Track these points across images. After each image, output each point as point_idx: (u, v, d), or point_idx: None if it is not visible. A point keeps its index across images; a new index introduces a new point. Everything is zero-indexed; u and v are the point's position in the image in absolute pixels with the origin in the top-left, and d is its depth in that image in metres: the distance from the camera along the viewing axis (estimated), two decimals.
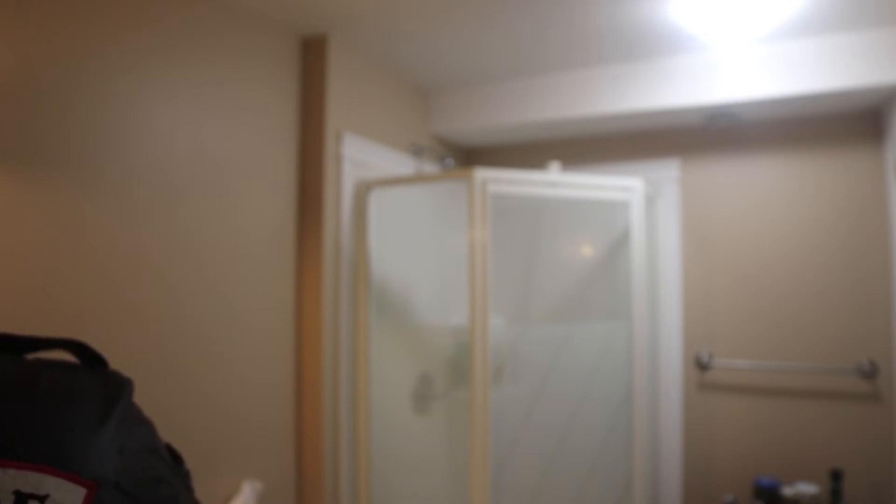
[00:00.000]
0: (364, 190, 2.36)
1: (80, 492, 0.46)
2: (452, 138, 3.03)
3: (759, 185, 2.66)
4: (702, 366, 2.71)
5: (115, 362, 1.60)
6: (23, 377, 0.52)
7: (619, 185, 2.46)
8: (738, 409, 2.65)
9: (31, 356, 0.58)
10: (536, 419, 2.63)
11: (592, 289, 2.78)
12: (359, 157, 2.36)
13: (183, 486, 0.59)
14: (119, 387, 0.56)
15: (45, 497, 0.45)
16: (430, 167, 2.84)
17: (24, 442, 0.47)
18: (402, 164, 2.62)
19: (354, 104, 2.39)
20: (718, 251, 2.72)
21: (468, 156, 3.25)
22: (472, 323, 2.15)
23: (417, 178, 2.45)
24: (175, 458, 0.62)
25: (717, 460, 2.68)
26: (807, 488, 2.39)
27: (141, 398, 0.64)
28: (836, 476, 2.34)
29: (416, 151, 2.75)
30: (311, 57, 2.27)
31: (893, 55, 2.13)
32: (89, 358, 0.58)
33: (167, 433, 1.76)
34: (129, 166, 1.63)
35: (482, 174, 2.19)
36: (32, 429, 0.48)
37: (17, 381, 0.51)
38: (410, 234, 2.65)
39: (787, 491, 2.42)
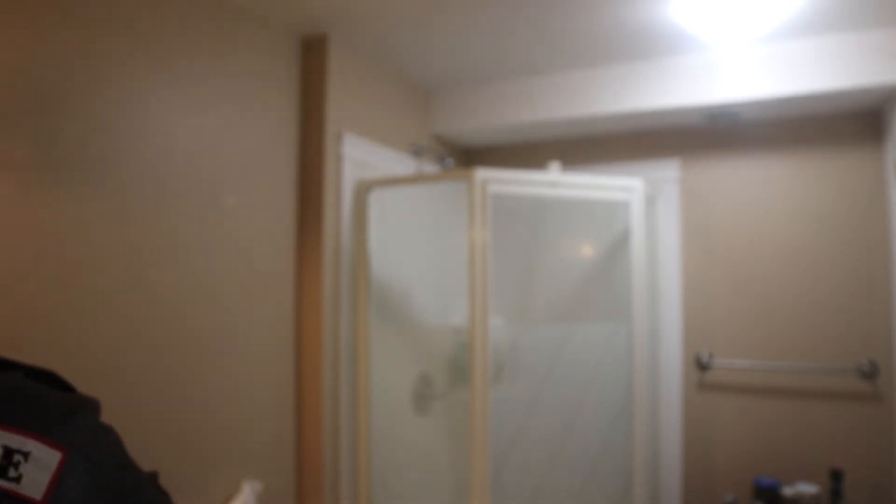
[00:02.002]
0: (364, 190, 2.36)
1: (56, 455, 0.55)
2: (452, 138, 3.03)
3: (760, 185, 2.66)
4: (702, 366, 2.71)
5: (114, 363, 1.59)
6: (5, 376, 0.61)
7: (619, 186, 2.46)
8: (738, 409, 2.65)
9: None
10: (536, 419, 2.63)
11: (592, 289, 2.78)
12: (359, 157, 2.36)
13: (151, 483, 0.68)
14: (85, 397, 0.64)
15: (28, 454, 0.53)
16: (430, 167, 2.84)
17: (10, 413, 0.56)
18: (402, 164, 2.62)
19: (354, 104, 2.39)
20: (718, 251, 2.72)
21: (468, 156, 3.25)
22: (472, 323, 2.15)
23: (417, 178, 2.45)
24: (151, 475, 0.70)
25: (717, 460, 2.67)
26: (807, 488, 2.39)
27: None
28: (837, 476, 2.34)
29: (416, 151, 2.75)
30: (311, 57, 2.26)
31: (893, 55, 2.13)
32: (60, 385, 0.67)
33: (167, 433, 1.75)
34: (126, 166, 1.63)
35: (482, 174, 2.19)
36: (18, 405, 0.57)
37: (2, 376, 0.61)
38: (410, 234, 2.65)
39: (787, 491, 2.42)
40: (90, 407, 0.63)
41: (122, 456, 0.64)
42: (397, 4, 2.03)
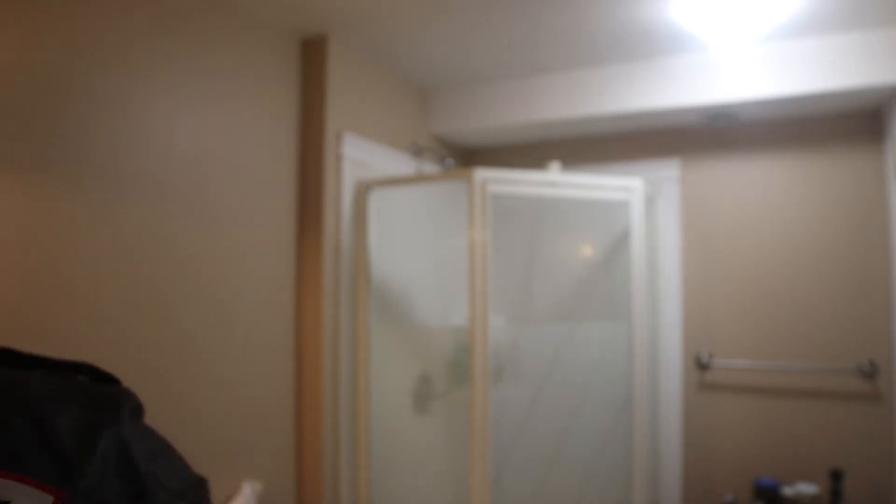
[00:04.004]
0: (364, 190, 2.36)
1: (47, 499, 0.44)
2: (452, 138, 3.03)
3: (759, 185, 2.66)
4: (702, 366, 2.71)
5: (113, 363, 1.59)
6: (7, 388, 0.50)
7: (619, 185, 2.46)
8: (738, 410, 2.65)
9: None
10: (537, 419, 2.63)
11: (592, 289, 2.78)
12: (359, 157, 2.36)
13: None
14: (116, 399, 0.54)
15: (7, 503, 0.43)
16: (430, 167, 2.84)
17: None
18: (402, 164, 2.62)
19: (354, 104, 2.39)
20: (718, 251, 2.72)
21: (468, 156, 3.25)
22: (472, 323, 2.15)
23: (417, 178, 2.45)
24: (198, 482, 0.59)
25: (717, 460, 2.67)
26: (807, 488, 2.39)
27: (141, 399, 0.64)
28: (837, 476, 2.34)
29: (416, 151, 2.75)
30: (311, 57, 2.26)
31: (893, 55, 2.13)
32: (99, 378, 0.57)
33: (167, 433, 1.75)
34: (126, 166, 1.63)
35: (482, 174, 2.19)
36: (4, 436, 0.46)
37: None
38: (410, 235, 2.65)
39: (787, 491, 2.42)
40: (119, 414, 0.51)
41: (144, 482, 0.51)
42: (397, 5, 2.03)
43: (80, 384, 0.54)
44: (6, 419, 0.47)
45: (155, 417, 1.76)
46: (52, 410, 0.49)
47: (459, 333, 2.54)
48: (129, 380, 1.71)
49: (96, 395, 0.53)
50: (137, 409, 0.54)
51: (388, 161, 2.54)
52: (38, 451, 0.46)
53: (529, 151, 3.09)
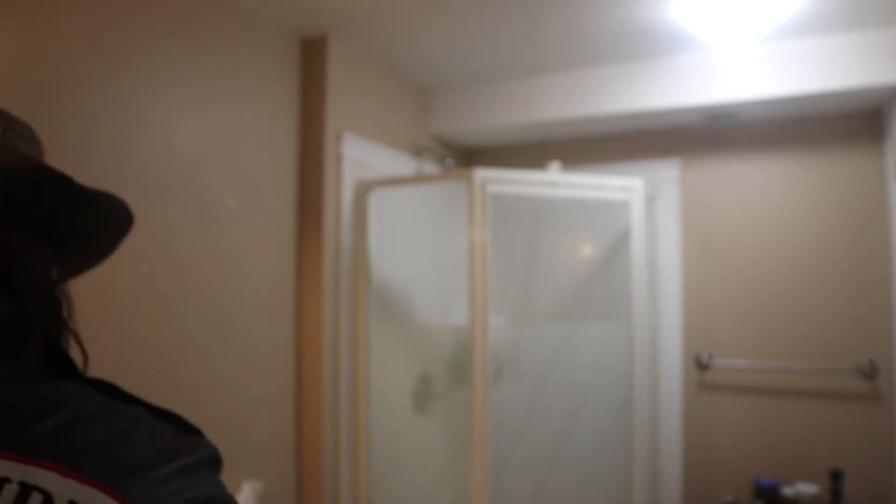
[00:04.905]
0: (364, 190, 2.36)
1: None
2: (452, 138, 3.03)
3: (759, 186, 2.66)
4: (702, 366, 2.71)
5: (111, 363, 1.58)
6: (109, 410, 0.57)
7: (619, 185, 2.46)
8: (738, 410, 2.65)
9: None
10: (537, 419, 2.63)
11: (592, 289, 2.78)
12: (359, 157, 2.36)
13: None
14: (197, 446, 0.57)
15: None
16: (430, 167, 2.84)
17: (92, 458, 0.48)
18: (402, 164, 2.62)
19: (354, 104, 2.39)
20: (718, 251, 2.72)
21: (468, 156, 3.25)
22: (472, 323, 2.15)
23: (417, 178, 2.45)
24: None
25: (717, 460, 2.67)
26: (807, 488, 2.39)
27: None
28: (837, 476, 2.34)
29: (416, 151, 2.75)
30: (311, 57, 2.26)
31: (893, 55, 2.13)
32: (185, 428, 0.61)
33: None
34: (125, 167, 1.63)
35: (482, 174, 2.19)
36: (101, 449, 0.50)
37: (103, 411, 0.56)
38: (410, 235, 2.65)
39: (787, 491, 2.42)
40: (199, 453, 0.54)
41: None
42: (397, 5, 2.03)
43: (169, 426, 0.60)
44: (102, 438, 0.51)
45: None
46: (140, 439, 0.54)
47: (459, 333, 2.54)
48: (129, 380, 1.71)
49: (186, 439, 0.58)
50: (215, 458, 0.58)
51: (388, 161, 2.53)
52: (123, 470, 0.49)
53: (529, 151, 3.09)
